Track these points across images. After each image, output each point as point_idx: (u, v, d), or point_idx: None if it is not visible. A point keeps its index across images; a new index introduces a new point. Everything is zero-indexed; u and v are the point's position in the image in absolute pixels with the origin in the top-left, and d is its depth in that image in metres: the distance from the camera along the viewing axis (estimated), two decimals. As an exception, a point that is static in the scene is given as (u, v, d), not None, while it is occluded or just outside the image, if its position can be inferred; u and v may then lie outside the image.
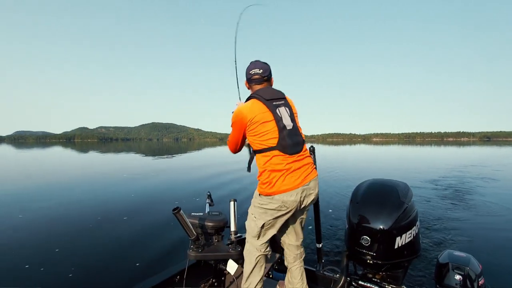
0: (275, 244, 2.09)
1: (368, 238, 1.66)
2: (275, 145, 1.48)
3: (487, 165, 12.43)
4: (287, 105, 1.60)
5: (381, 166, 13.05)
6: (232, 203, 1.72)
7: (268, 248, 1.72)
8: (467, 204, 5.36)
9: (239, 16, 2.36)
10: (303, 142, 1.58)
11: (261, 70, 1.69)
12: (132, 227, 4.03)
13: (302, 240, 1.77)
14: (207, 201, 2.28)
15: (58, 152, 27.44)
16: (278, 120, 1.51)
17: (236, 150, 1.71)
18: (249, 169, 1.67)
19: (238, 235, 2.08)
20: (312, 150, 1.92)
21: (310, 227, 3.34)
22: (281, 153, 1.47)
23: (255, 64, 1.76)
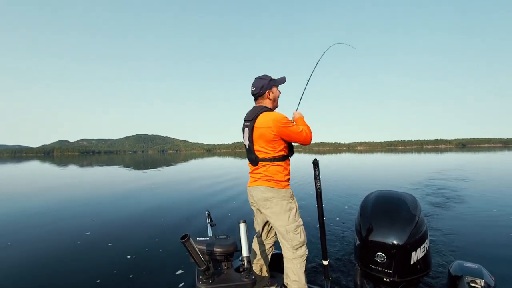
0: None
1: (384, 255, 1.59)
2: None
3: (469, 170, 12.96)
4: (250, 126, 1.86)
5: (376, 174, 13.29)
6: (242, 225, 1.55)
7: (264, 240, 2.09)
8: (463, 210, 5.30)
9: (323, 53, 2.46)
10: (255, 158, 1.88)
11: (254, 88, 1.92)
12: (116, 256, 3.35)
13: (268, 242, 2.03)
14: (207, 221, 2.12)
15: (25, 167, 25.95)
16: (243, 139, 1.95)
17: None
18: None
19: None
20: (316, 164, 1.91)
21: (315, 244, 3.26)
22: (249, 163, 1.97)
23: (254, 80, 1.94)
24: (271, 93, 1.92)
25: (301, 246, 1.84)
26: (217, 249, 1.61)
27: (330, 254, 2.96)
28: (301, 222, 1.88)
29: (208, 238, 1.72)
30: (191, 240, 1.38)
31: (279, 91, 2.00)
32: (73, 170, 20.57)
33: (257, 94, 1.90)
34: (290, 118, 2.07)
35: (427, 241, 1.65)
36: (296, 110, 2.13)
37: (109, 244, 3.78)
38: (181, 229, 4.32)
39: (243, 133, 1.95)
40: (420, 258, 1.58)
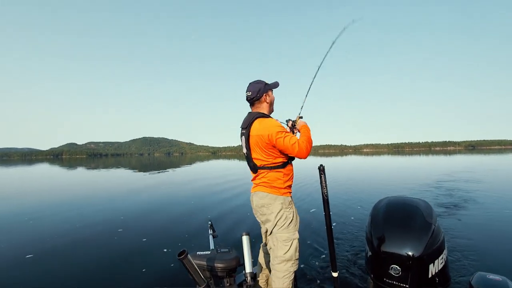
0: None
1: (399, 268, 1.48)
2: None
3: (480, 172, 12.63)
4: (246, 134, 1.83)
5: (384, 177, 12.96)
6: (245, 238, 1.41)
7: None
8: (480, 214, 5.01)
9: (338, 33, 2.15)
10: (254, 166, 1.84)
11: (249, 92, 1.86)
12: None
13: (275, 260, 1.75)
14: (209, 233, 2.05)
15: (36, 170, 26.47)
16: (242, 147, 1.91)
17: None
18: None
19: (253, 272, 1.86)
20: (322, 170, 1.81)
21: (324, 256, 3.19)
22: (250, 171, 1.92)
23: (248, 86, 1.89)
24: (268, 97, 1.88)
25: (286, 261, 1.70)
26: (219, 265, 1.54)
27: (339, 265, 2.80)
28: (296, 235, 1.77)
29: (209, 252, 1.66)
30: (189, 256, 1.29)
31: (274, 96, 1.96)
32: (76, 173, 20.82)
33: (254, 99, 1.86)
34: (294, 119, 2.02)
35: (445, 251, 1.55)
36: (300, 113, 2.05)
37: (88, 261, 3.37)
38: (180, 241, 4.02)
39: (241, 141, 1.93)
40: (438, 270, 1.48)
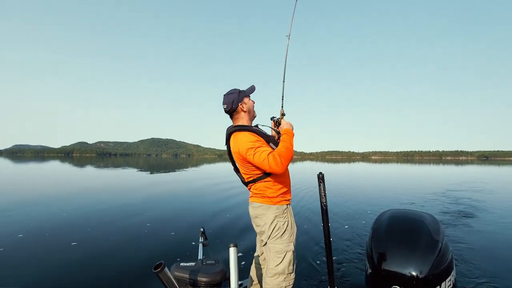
0: None
1: None
2: None
3: (493, 184, 12.17)
4: (228, 149, 1.81)
5: (391, 186, 12.62)
6: (232, 250, 1.32)
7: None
8: (491, 230, 4.73)
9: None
10: (243, 180, 1.81)
11: (225, 105, 1.79)
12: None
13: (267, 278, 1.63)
14: (200, 241, 1.94)
15: (49, 167, 27.12)
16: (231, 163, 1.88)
17: None
18: None
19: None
20: (321, 178, 1.71)
21: (320, 270, 2.99)
22: None
23: (223, 98, 1.81)
24: (244, 105, 1.78)
25: (278, 275, 1.58)
26: (202, 278, 1.43)
27: (338, 281, 2.69)
28: (291, 247, 1.64)
29: (194, 263, 1.54)
30: (166, 270, 1.19)
31: (253, 100, 1.85)
32: (84, 172, 21.16)
33: (230, 110, 1.78)
34: (278, 117, 1.88)
35: (453, 272, 1.41)
36: (282, 106, 1.90)
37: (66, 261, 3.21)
38: (165, 250, 3.67)
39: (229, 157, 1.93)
40: None
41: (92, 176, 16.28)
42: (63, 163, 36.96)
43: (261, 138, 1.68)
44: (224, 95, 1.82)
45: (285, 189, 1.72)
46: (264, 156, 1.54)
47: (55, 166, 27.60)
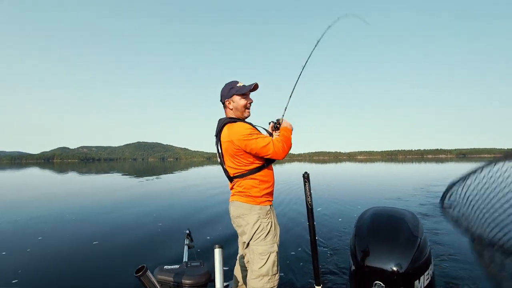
0: None
1: (382, 284, 1.42)
2: None
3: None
4: (217, 141, 1.78)
5: (375, 185, 12.96)
6: (217, 251, 1.30)
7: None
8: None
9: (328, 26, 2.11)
10: (229, 176, 1.77)
11: (220, 95, 1.80)
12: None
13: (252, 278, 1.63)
14: (185, 242, 1.94)
15: (23, 176, 25.78)
16: (217, 156, 1.84)
17: None
18: None
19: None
20: (307, 178, 1.73)
21: (306, 268, 3.04)
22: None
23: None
24: (231, 103, 1.75)
25: (262, 277, 1.59)
26: (186, 281, 1.43)
27: (323, 279, 2.72)
28: (274, 248, 1.65)
29: (178, 266, 1.53)
30: (148, 273, 1.18)
31: (249, 99, 1.77)
32: (62, 178, 20.35)
33: (222, 102, 1.81)
34: (275, 120, 1.91)
35: (431, 266, 1.49)
36: (283, 115, 1.91)
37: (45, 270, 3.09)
38: (148, 254, 3.63)
39: (216, 149, 1.84)
40: (424, 286, 1.42)
41: (74, 182, 15.65)
42: (43, 169, 35.31)
43: (257, 130, 1.72)
44: (225, 85, 1.81)
45: (269, 190, 1.73)
46: (268, 139, 1.61)
47: (33, 173, 26.30)
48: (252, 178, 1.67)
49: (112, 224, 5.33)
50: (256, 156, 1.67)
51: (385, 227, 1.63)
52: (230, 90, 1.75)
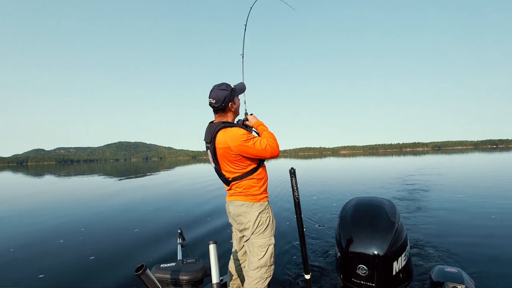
0: None
1: (365, 267, 1.54)
2: None
3: (443, 171, 13.47)
4: (212, 148, 1.71)
5: (357, 177, 13.44)
6: (212, 246, 1.34)
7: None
8: (438, 210, 5.34)
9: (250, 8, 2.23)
10: (226, 180, 1.77)
11: (213, 100, 1.69)
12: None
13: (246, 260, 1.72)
14: (178, 241, 1.96)
15: None
16: (210, 161, 1.81)
17: None
18: None
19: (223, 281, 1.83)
20: (293, 173, 1.78)
21: (296, 258, 3.22)
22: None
23: (211, 91, 1.71)
24: (234, 105, 1.75)
25: (260, 268, 1.67)
26: (183, 277, 1.46)
27: (312, 267, 2.83)
28: (272, 241, 1.74)
29: (174, 264, 1.56)
30: (148, 271, 1.20)
31: (239, 99, 1.83)
32: (37, 181, 19.36)
33: (218, 107, 1.71)
34: (242, 118, 1.92)
35: (407, 248, 1.62)
36: (245, 110, 1.93)
37: (40, 276, 3.04)
38: (143, 253, 3.67)
39: (208, 155, 1.80)
40: (402, 267, 1.55)
41: (52, 185, 14.96)
42: (16, 173, 33.23)
43: (251, 133, 1.75)
44: (214, 87, 1.72)
45: (266, 186, 1.79)
46: (264, 142, 1.65)
47: (6, 177, 24.72)
48: (250, 179, 1.71)
49: (100, 229, 5.23)
50: (253, 158, 1.71)
51: (366, 215, 1.75)
52: (231, 93, 1.72)
